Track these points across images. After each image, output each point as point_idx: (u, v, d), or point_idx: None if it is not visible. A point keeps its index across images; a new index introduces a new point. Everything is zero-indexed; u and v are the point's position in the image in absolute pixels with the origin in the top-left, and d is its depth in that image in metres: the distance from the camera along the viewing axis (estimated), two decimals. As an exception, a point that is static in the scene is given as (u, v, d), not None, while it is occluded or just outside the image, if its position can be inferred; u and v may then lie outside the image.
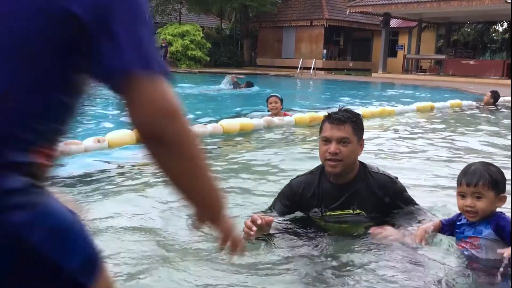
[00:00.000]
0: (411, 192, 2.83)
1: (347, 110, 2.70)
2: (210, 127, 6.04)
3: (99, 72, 0.90)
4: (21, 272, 0.88)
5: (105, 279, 0.98)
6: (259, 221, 2.45)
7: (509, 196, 2.78)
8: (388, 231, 2.53)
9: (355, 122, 2.63)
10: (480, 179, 2.23)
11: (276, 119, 6.70)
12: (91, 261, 0.96)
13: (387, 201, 2.65)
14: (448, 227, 2.48)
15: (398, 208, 2.69)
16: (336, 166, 2.59)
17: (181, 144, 0.90)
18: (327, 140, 2.61)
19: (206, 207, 0.98)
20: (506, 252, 2.12)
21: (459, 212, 2.46)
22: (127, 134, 4.93)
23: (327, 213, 2.70)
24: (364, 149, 2.73)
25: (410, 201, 2.75)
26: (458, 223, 2.41)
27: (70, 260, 0.91)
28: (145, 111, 0.87)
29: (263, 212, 2.81)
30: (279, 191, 2.89)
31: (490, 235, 2.25)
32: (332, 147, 2.57)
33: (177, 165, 0.92)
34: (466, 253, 2.34)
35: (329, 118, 2.64)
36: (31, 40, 0.85)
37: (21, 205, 0.86)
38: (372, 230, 2.56)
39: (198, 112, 8.48)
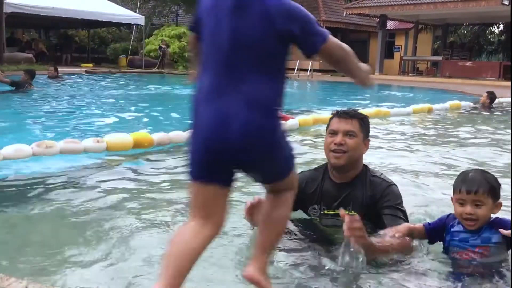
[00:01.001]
0: (405, 195, 2.75)
1: (355, 110, 2.76)
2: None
3: (306, 53, 1.73)
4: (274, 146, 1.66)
5: (295, 178, 1.81)
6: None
7: (510, 196, 2.80)
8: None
9: (362, 120, 2.69)
10: (480, 187, 2.23)
11: None
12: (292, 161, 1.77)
13: (376, 204, 2.59)
14: (436, 233, 2.43)
15: (382, 211, 2.56)
16: (341, 157, 2.60)
17: (348, 60, 1.85)
18: (333, 133, 2.65)
19: (358, 75, 1.88)
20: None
21: (446, 216, 2.43)
22: (125, 137, 4.98)
23: (325, 211, 2.72)
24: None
25: (395, 207, 2.57)
26: (452, 229, 2.37)
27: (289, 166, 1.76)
28: (332, 55, 1.80)
29: None
30: None
31: (498, 239, 2.26)
32: (338, 138, 2.61)
33: (346, 66, 1.85)
34: (458, 256, 2.33)
35: (337, 113, 2.71)
36: (271, 48, 1.65)
37: (277, 118, 1.68)
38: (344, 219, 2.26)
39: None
